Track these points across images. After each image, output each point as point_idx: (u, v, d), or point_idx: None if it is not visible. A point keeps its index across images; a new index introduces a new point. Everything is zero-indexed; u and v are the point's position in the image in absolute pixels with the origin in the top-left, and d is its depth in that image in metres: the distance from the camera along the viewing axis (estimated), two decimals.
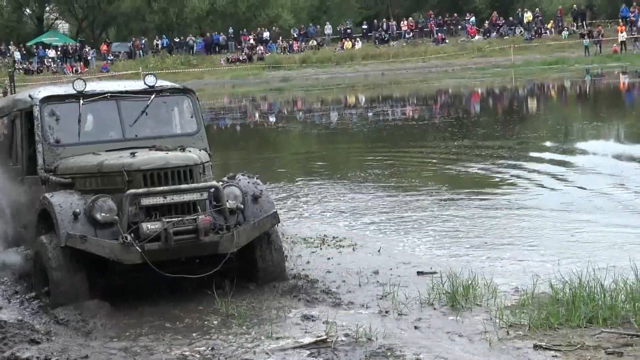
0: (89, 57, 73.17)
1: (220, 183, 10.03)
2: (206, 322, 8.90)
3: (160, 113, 11.20)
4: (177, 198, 9.44)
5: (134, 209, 9.40)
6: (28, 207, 10.92)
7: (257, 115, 43.11)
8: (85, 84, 10.89)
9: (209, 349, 7.95)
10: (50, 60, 73.00)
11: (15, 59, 71.94)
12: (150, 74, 11.50)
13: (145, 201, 9.39)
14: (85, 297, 9.46)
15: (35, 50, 74.48)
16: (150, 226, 9.26)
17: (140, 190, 9.37)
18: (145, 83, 11.13)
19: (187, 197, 9.50)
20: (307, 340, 8.01)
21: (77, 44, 77.47)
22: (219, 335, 8.44)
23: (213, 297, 9.35)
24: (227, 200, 9.78)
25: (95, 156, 10.21)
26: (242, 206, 9.97)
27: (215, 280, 9.67)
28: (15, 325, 8.92)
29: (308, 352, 7.77)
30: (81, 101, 10.76)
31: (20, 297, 10.39)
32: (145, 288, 9.90)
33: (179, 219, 9.37)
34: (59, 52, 74.39)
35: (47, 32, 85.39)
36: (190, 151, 10.03)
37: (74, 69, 70.45)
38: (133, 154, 9.72)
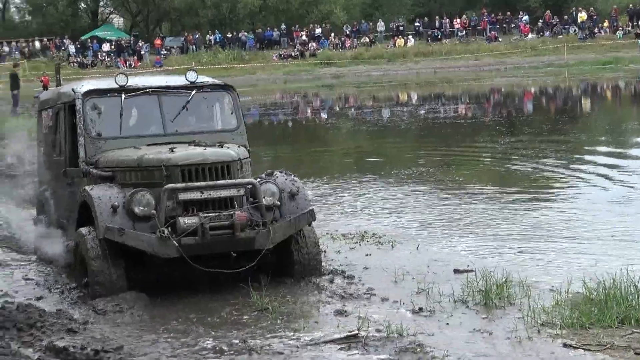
0: (143, 52, 73.65)
1: (258, 180, 10.13)
2: (240, 316, 8.98)
3: (200, 109, 11.31)
4: (214, 193, 9.57)
5: (171, 204, 9.53)
6: (70, 198, 11.09)
7: (308, 111, 43.16)
8: (128, 79, 11.01)
9: (241, 341, 8.02)
10: (104, 54, 73.60)
11: (70, 53, 72.66)
12: (192, 69, 11.61)
13: (183, 196, 9.53)
14: (122, 288, 9.58)
15: (89, 44, 75.16)
16: (187, 221, 9.38)
17: (178, 185, 9.51)
18: (186, 79, 11.24)
19: (224, 193, 9.62)
20: (339, 335, 8.07)
21: (131, 39, 78.10)
22: (252, 328, 8.51)
23: (248, 291, 9.44)
24: (264, 197, 9.87)
25: (135, 150, 10.34)
26: (279, 203, 10.04)
27: (251, 274, 9.79)
28: (53, 314, 9.06)
29: (339, 346, 7.82)
30: (123, 96, 10.90)
31: (61, 287, 10.55)
32: (183, 280, 10.01)
33: (216, 214, 9.48)
34: (112, 47, 75.01)
35: (102, 26, 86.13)
36: (228, 147, 10.15)
37: (128, 63, 70.99)
38: (172, 149, 9.86)
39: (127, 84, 10.94)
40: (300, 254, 10.21)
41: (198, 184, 9.54)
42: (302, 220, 10.04)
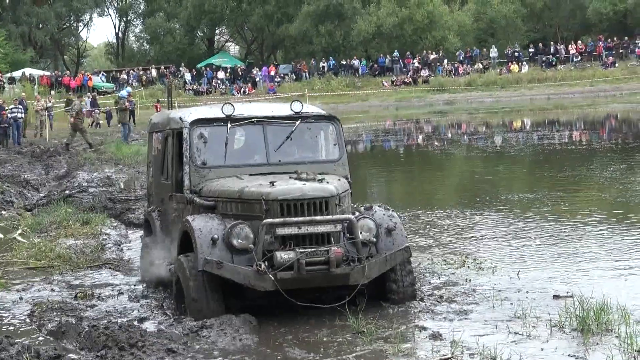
0: (257, 79, 74.64)
1: (357, 213, 10.24)
2: (336, 338, 9.07)
3: (304, 139, 11.40)
4: (311, 229, 9.66)
5: (269, 238, 9.65)
6: (175, 222, 11.30)
7: (419, 138, 43.07)
8: (234, 108, 11.18)
9: None
10: (219, 81, 74.86)
11: (186, 80, 74.10)
12: (296, 100, 11.70)
13: (281, 231, 9.63)
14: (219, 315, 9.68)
15: (204, 71, 76.50)
16: (284, 255, 9.50)
17: (277, 220, 9.61)
18: (291, 109, 11.35)
19: (321, 229, 9.70)
20: (432, 359, 8.09)
21: (245, 66, 79.24)
22: (347, 351, 8.61)
23: (345, 314, 9.49)
24: (361, 233, 9.94)
25: (237, 181, 10.50)
26: (375, 239, 10.10)
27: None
28: (154, 334, 9.28)
29: None
30: (229, 125, 11.08)
31: (164, 309, 10.74)
32: (282, 303, 10.11)
33: (312, 249, 9.56)
34: (227, 74, 76.22)
35: (217, 54, 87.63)
36: (328, 182, 10.19)
37: (242, 90, 71.99)
38: (272, 183, 9.96)
39: (233, 114, 11.12)
40: (394, 284, 10.29)
41: (296, 219, 9.62)
42: (397, 256, 10.08)
